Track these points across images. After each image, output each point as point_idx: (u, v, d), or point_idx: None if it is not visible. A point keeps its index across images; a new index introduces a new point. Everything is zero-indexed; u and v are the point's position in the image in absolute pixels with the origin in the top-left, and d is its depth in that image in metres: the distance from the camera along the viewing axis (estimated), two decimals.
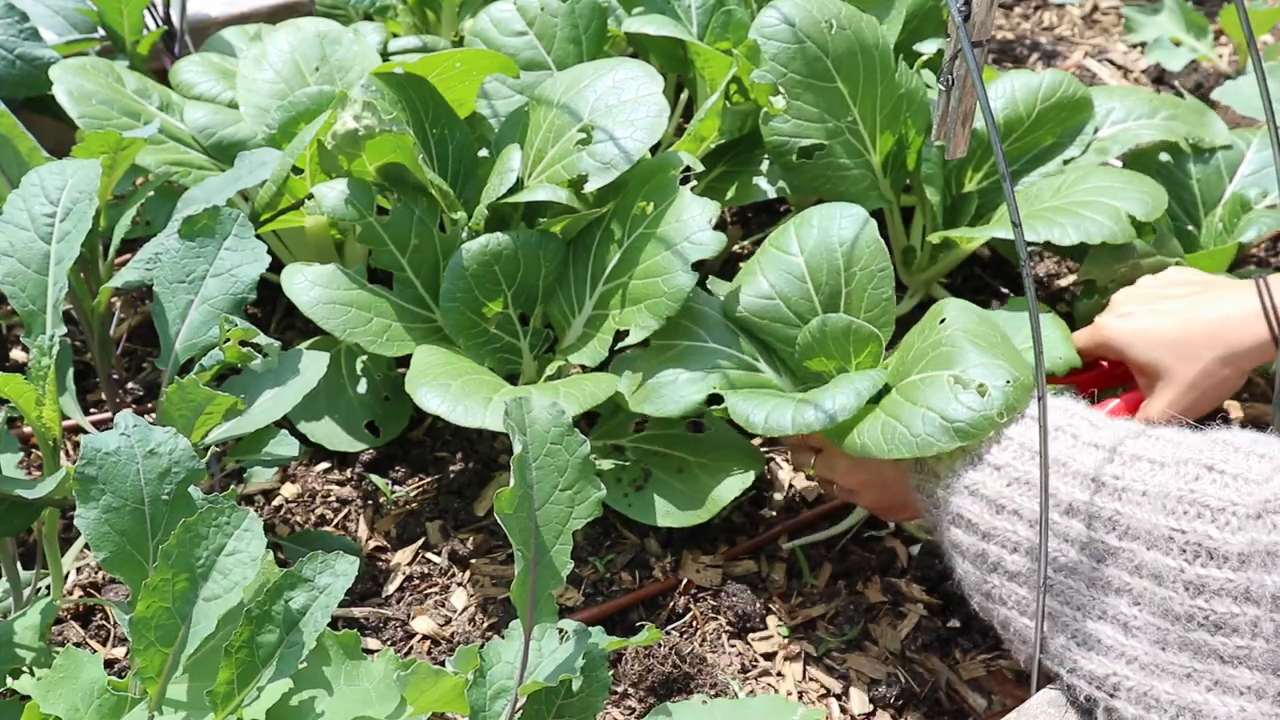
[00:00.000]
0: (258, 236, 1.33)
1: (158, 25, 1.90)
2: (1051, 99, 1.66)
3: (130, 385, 1.64)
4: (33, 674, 1.06)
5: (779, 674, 1.31)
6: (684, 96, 1.92)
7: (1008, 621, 1.10)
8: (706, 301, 1.40)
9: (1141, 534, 0.99)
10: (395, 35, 1.93)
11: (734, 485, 1.40)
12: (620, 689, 1.27)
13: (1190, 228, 1.72)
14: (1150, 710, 0.98)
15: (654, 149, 1.47)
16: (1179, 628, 0.96)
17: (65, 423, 1.45)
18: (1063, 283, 1.86)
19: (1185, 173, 1.74)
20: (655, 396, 1.33)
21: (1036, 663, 1.10)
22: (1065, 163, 1.69)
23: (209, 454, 1.38)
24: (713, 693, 1.27)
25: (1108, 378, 1.46)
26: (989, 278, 1.84)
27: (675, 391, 1.32)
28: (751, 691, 1.29)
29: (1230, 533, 0.93)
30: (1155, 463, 1.01)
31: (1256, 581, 0.92)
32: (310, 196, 1.47)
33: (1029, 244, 1.51)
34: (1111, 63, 2.49)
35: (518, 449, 1.00)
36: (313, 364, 1.28)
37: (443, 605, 1.38)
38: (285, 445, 1.29)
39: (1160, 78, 2.41)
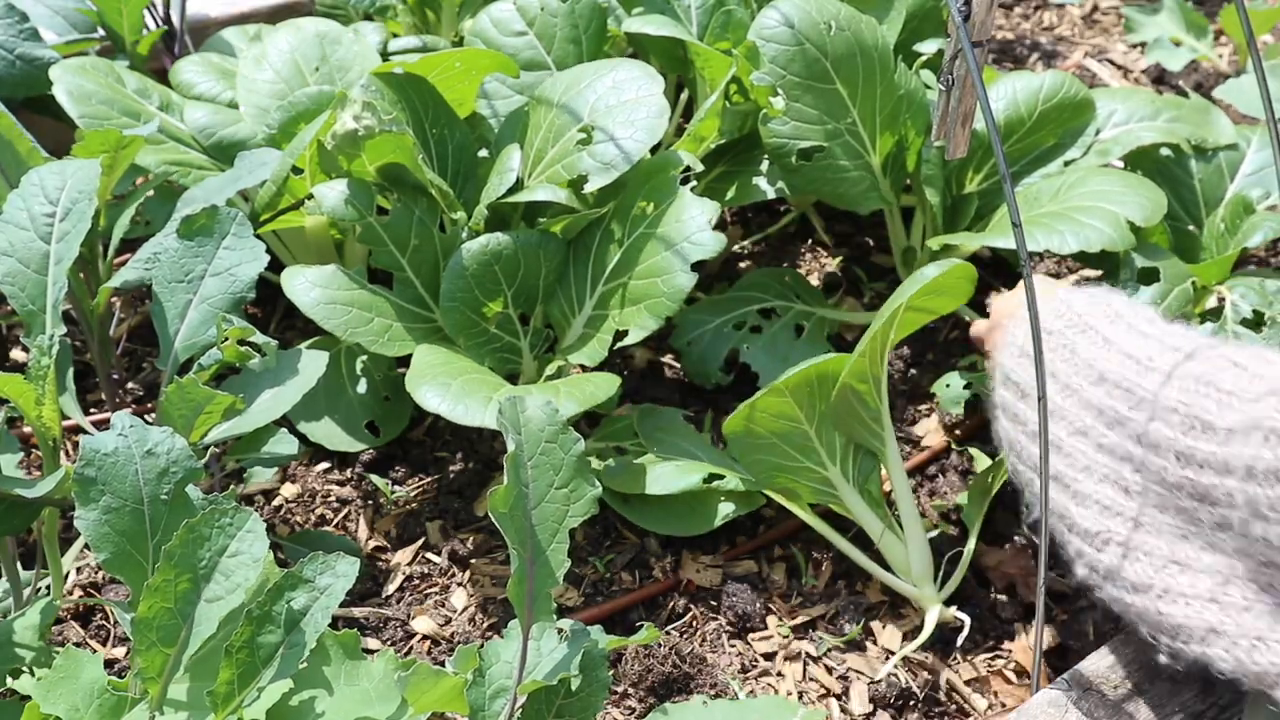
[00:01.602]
0: (257, 236, 1.33)
1: (158, 25, 1.90)
2: (1053, 100, 1.66)
3: (130, 385, 1.64)
4: (33, 674, 1.06)
5: (779, 674, 1.31)
6: (684, 96, 1.92)
7: (1031, 484, 1.16)
8: None
9: (1152, 407, 1.03)
10: (395, 35, 1.93)
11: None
12: (620, 689, 1.27)
13: (1191, 227, 1.72)
14: (1137, 562, 1.03)
15: (654, 149, 1.47)
16: (1171, 495, 1.01)
17: (65, 423, 1.45)
18: (1063, 283, 1.85)
19: (1187, 171, 1.72)
20: None
21: (1037, 663, 1.10)
22: (1066, 164, 1.68)
23: (208, 454, 1.38)
24: (713, 693, 1.26)
25: None
26: (989, 277, 1.84)
27: None
28: (751, 691, 1.29)
29: (1228, 411, 0.96)
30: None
31: (1235, 454, 0.95)
32: (310, 196, 1.47)
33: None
34: (1111, 63, 2.49)
35: (512, 447, 1.00)
36: (312, 363, 1.28)
37: (443, 605, 1.38)
38: (285, 444, 1.29)
39: (1160, 78, 2.40)
